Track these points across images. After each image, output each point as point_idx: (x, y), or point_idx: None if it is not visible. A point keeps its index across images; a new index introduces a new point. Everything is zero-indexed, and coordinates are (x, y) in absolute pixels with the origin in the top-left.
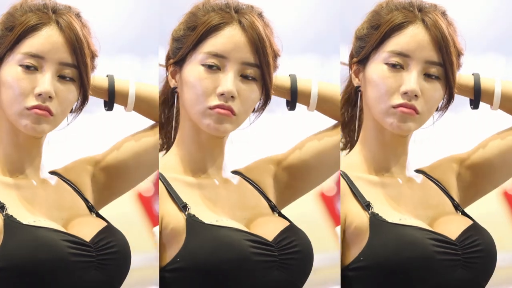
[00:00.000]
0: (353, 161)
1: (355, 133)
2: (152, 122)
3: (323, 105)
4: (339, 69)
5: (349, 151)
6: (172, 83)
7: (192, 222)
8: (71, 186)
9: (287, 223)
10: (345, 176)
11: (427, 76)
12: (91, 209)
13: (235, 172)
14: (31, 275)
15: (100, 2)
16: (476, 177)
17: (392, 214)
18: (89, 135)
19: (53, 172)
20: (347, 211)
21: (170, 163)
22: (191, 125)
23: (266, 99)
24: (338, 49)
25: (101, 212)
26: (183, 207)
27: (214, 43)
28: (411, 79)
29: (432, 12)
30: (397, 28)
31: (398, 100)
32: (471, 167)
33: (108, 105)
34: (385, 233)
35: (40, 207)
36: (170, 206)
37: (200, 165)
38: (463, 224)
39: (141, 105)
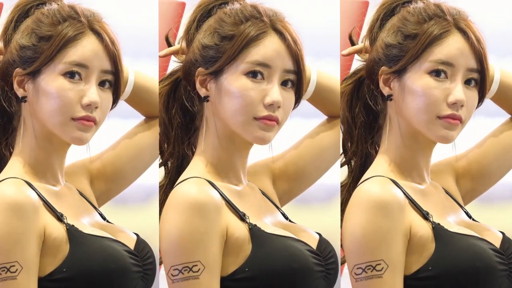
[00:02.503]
0: (386, 169)
1: (380, 142)
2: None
3: (319, 95)
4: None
5: (363, 160)
6: (203, 92)
7: (256, 231)
8: (80, 193)
9: (316, 234)
10: (397, 184)
11: (467, 83)
12: (102, 216)
13: None
14: (102, 285)
15: (106, 4)
16: (473, 183)
17: (445, 223)
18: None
19: None
20: (411, 221)
21: (201, 170)
22: (225, 133)
23: (295, 104)
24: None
25: None
26: (243, 216)
27: (258, 53)
28: (459, 89)
29: (463, 18)
30: (437, 38)
31: (445, 110)
32: (468, 175)
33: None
34: (451, 243)
35: (76, 215)
36: (230, 216)
37: (234, 171)
38: (492, 233)
39: (137, 96)
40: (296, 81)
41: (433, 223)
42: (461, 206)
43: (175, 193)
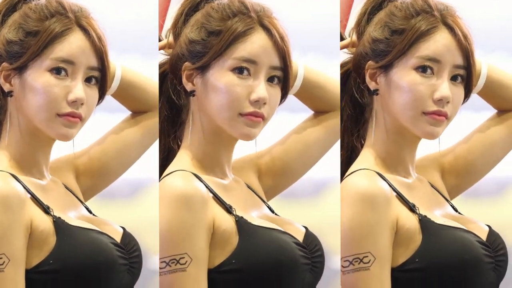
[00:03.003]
0: (371, 163)
1: (366, 135)
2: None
3: (306, 91)
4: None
5: (349, 153)
6: (189, 87)
7: (243, 223)
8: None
9: (303, 227)
10: (383, 178)
11: (453, 80)
12: (88, 209)
13: None
14: (89, 277)
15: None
16: (458, 179)
17: (432, 216)
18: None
19: None
20: (398, 214)
21: (186, 163)
22: (210, 127)
23: (281, 100)
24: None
25: None
26: (229, 208)
27: (244, 49)
28: (445, 85)
29: (451, 14)
30: (424, 34)
31: (431, 107)
32: (454, 170)
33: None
34: (437, 235)
35: (62, 208)
36: (217, 208)
37: (220, 166)
38: (479, 226)
39: (124, 91)
40: (282, 78)
41: (419, 215)
42: (447, 200)
43: (162, 186)
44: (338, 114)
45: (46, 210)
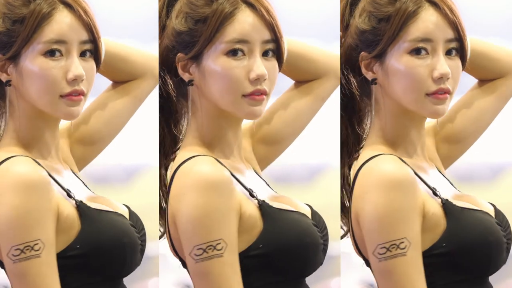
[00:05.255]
0: (383, 148)
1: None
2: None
3: (290, 64)
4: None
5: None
6: (186, 76)
7: (266, 207)
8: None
9: (307, 206)
10: (403, 161)
11: (448, 54)
12: (86, 186)
13: None
14: (116, 259)
15: None
16: (450, 149)
17: (451, 199)
18: None
19: None
20: (424, 198)
21: (199, 149)
22: (214, 112)
23: (279, 69)
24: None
25: None
26: (251, 191)
27: (234, 30)
28: (442, 62)
29: None
30: (411, 16)
31: (432, 86)
32: (446, 140)
33: None
34: (461, 218)
35: (75, 189)
36: (241, 193)
37: (230, 149)
38: (486, 205)
39: (108, 64)
40: (276, 49)
41: (442, 199)
42: (446, 179)
43: (188, 173)
44: (325, 81)
45: (68, 193)
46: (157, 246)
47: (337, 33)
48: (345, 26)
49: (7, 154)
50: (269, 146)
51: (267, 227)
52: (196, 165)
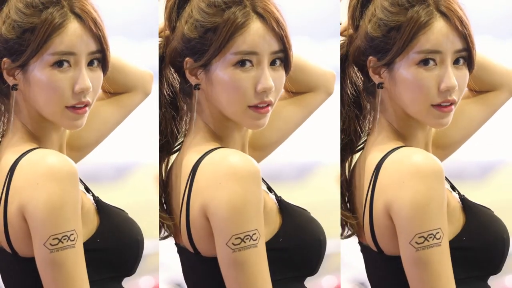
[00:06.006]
0: (399, 144)
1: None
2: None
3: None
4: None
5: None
6: (193, 80)
7: (283, 203)
8: None
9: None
10: None
11: (456, 63)
12: None
13: None
14: (130, 256)
15: None
16: (437, 152)
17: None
18: None
19: None
20: (447, 191)
21: (210, 142)
22: (221, 116)
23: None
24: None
25: None
26: (269, 186)
27: (244, 41)
28: (449, 75)
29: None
30: (422, 27)
31: (438, 98)
32: (435, 144)
33: None
34: (478, 214)
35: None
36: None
37: (237, 146)
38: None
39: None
40: (284, 58)
41: (459, 193)
42: None
43: (220, 163)
44: (315, 95)
45: (87, 188)
46: (150, 245)
47: (337, 32)
48: (355, 27)
49: (27, 147)
50: (255, 151)
51: (286, 222)
52: (228, 156)
